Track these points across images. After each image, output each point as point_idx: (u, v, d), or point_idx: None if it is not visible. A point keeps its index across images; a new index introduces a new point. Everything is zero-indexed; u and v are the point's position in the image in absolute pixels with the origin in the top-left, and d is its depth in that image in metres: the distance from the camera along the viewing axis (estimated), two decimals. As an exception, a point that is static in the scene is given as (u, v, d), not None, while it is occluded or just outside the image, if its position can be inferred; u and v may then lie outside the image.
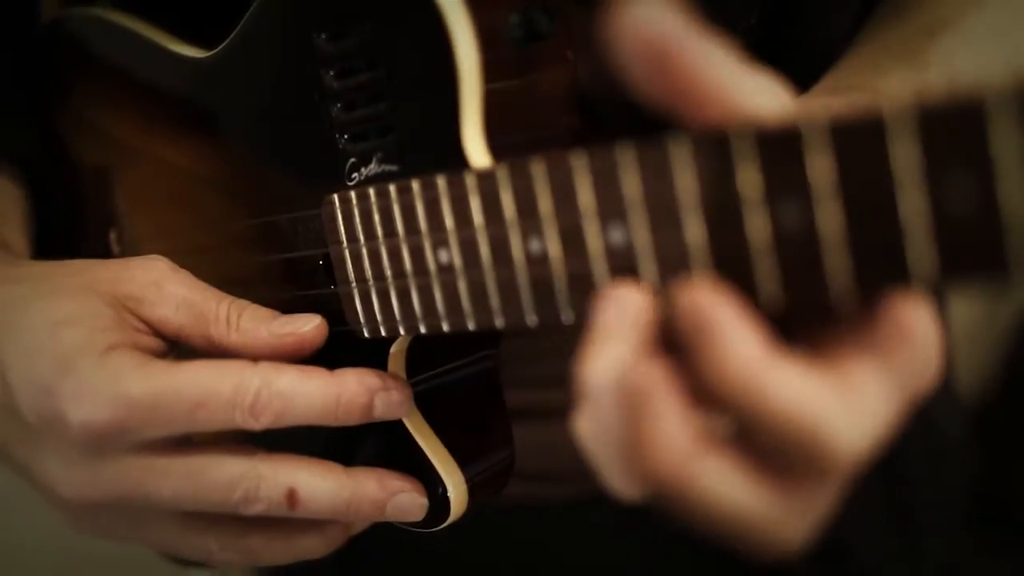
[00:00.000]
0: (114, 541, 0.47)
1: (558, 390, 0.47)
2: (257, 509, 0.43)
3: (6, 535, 1.01)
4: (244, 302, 0.47)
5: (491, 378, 0.50)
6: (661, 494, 0.30)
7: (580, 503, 0.65)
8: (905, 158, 0.27)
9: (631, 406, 0.29)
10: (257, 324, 0.45)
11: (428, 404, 0.47)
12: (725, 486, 0.29)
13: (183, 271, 0.47)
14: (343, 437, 0.46)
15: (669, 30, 0.28)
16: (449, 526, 0.47)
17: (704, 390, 0.29)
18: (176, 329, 0.46)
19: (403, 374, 0.46)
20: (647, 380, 0.29)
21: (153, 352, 0.45)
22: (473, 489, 0.47)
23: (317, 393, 0.43)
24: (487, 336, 0.50)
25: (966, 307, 1.46)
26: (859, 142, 0.27)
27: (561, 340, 0.41)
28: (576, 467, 0.59)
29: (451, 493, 0.46)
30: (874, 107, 0.27)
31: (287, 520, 0.46)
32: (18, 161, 0.61)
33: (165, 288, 0.46)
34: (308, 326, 0.45)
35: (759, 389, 0.28)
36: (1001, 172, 0.25)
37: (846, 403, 0.29)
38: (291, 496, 0.43)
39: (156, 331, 0.46)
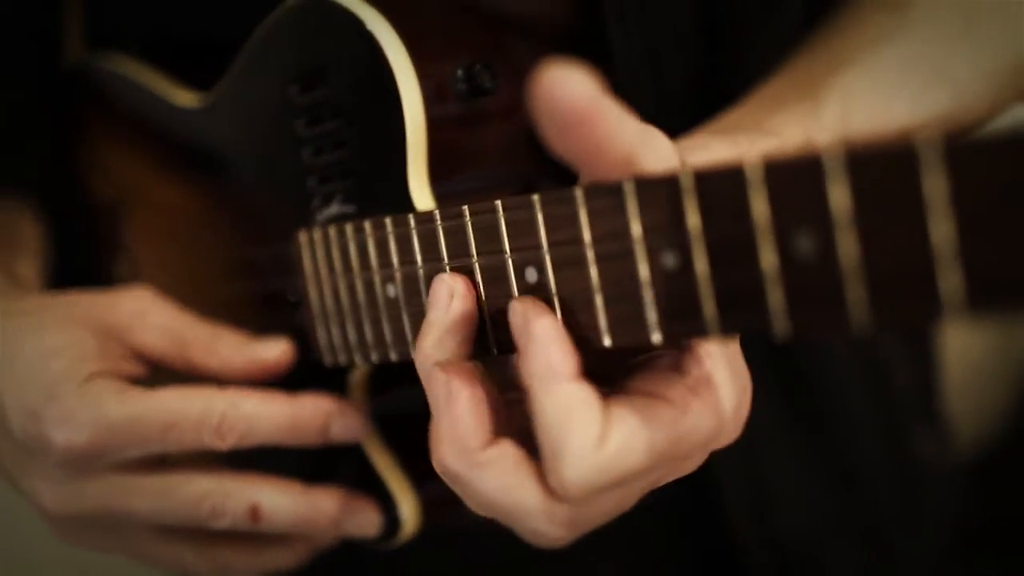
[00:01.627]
0: (98, 552, 0.51)
1: None
2: (224, 523, 0.47)
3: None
4: (222, 330, 0.51)
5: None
6: (446, 475, 0.35)
7: None
8: (761, 212, 0.30)
9: (433, 393, 0.35)
10: (232, 350, 0.50)
11: (389, 427, 0.51)
12: (501, 478, 0.34)
13: (167, 301, 0.51)
14: (309, 458, 0.50)
15: (585, 98, 0.31)
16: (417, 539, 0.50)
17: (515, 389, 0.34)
18: (159, 355, 0.50)
19: (363, 399, 0.50)
20: (451, 372, 0.35)
21: (134, 378, 0.49)
22: (427, 508, 0.50)
23: (277, 415, 0.47)
24: None
25: (978, 341, 1.46)
26: (722, 191, 0.31)
27: None
28: None
29: (403, 513, 0.49)
30: (735, 162, 0.30)
31: (255, 535, 0.50)
32: (38, 195, 0.65)
33: (149, 317, 0.50)
34: (275, 351, 0.50)
35: (547, 393, 0.33)
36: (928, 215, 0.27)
37: (601, 436, 0.33)
38: (254, 511, 0.47)
39: (140, 356, 0.50)
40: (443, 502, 0.52)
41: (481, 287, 0.39)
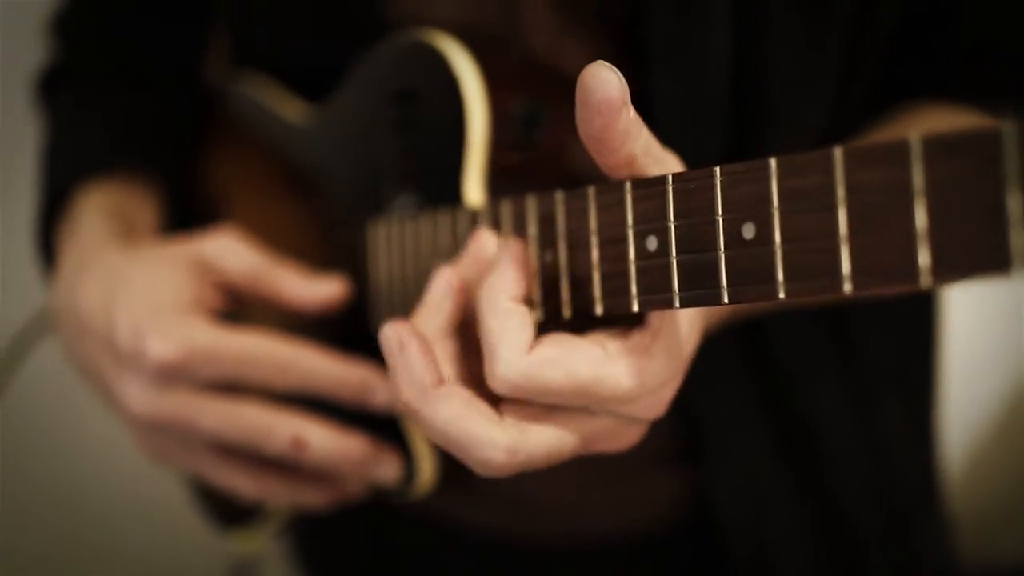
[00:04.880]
0: (163, 466, 0.61)
1: None
2: (273, 447, 0.56)
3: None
4: (290, 268, 0.61)
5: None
6: (406, 410, 0.43)
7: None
8: (719, 206, 0.39)
9: (387, 345, 0.43)
10: (295, 286, 0.61)
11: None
12: (450, 410, 0.41)
13: (248, 241, 0.62)
14: (352, 413, 0.59)
15: (619, 95, 0.38)
16: None
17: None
18: (238, 283, 0.61)
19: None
20: (406, 330, 0.43)
21: (218, 307, 0.60)
22: (443, 472, 0.58)
23: (331, 371, 0.57)
24: None
25: (983, 426, 1.46)
26: (694, 191, 0.40)
27: None
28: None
29: (422, 469, 0.58)
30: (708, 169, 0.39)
31: (297, 472, 0.59)
32: (165, 180, 0.77)
33: (231, 250, 0.61)
34: (329, 288, 0.61)
35: (492, 306, 0.41)
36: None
37: (529, 347, 0.41)
38: (298, 442, 0.56)
39: (223, 286, 0.61)
40: (458, 468, 0.60)
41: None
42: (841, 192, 0.35)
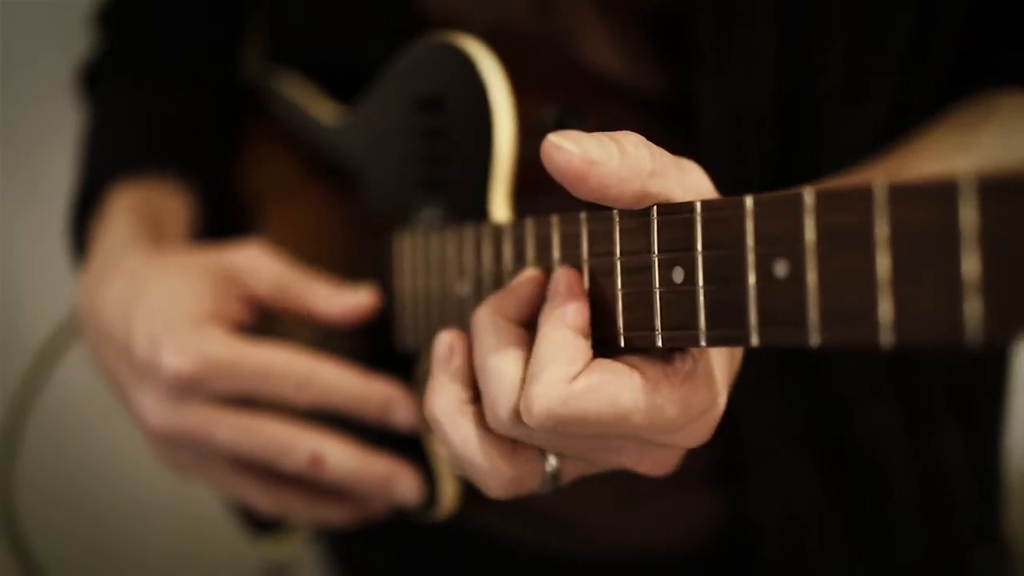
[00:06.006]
0: (180, 476, 0.60)
1: None
2: (290, 464, 0.54)
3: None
4: (318, 280, 0.60)
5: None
6: (430, 419, 0.42)
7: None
8: (751, 238, 0.35)
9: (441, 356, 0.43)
10: (324, 298, 0.59)
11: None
12: (464, 437, 0.41)
13: (274, 253, 0.60)
14: (375, 430, 0.57)
15: (577, 159, 0.38)
16: None
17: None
18: (264, 296, 0.59)
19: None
20: (460, 344, 0.43)
21: (242, 320, 0.58)
22: (466, 493, 0.56)
23: (350, 386, 0.55)
24: None
25: None
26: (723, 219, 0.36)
27: None
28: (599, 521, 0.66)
29: (444, 492, 0.55)
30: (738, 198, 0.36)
31: (315, 487, 0.57)
32: (198, 181, 0.76)
33: (258, 264, 0.59)
34: (358, 298, 0.59)
35: (553, 328, 0.40)
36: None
37: (576, 377, 0.38)
38: (316, 459, 0.54)
39: (249, 300, 0.59)
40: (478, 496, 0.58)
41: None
42: (884, 232, 0.31)
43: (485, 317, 0.41)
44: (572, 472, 0.43)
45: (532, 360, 0.39)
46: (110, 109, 0.78)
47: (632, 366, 0.39)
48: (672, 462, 0.43)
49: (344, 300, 0.59)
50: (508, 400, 0.39)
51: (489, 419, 0.40)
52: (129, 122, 0.76)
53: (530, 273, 0.44)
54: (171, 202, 0.72)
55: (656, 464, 0.42)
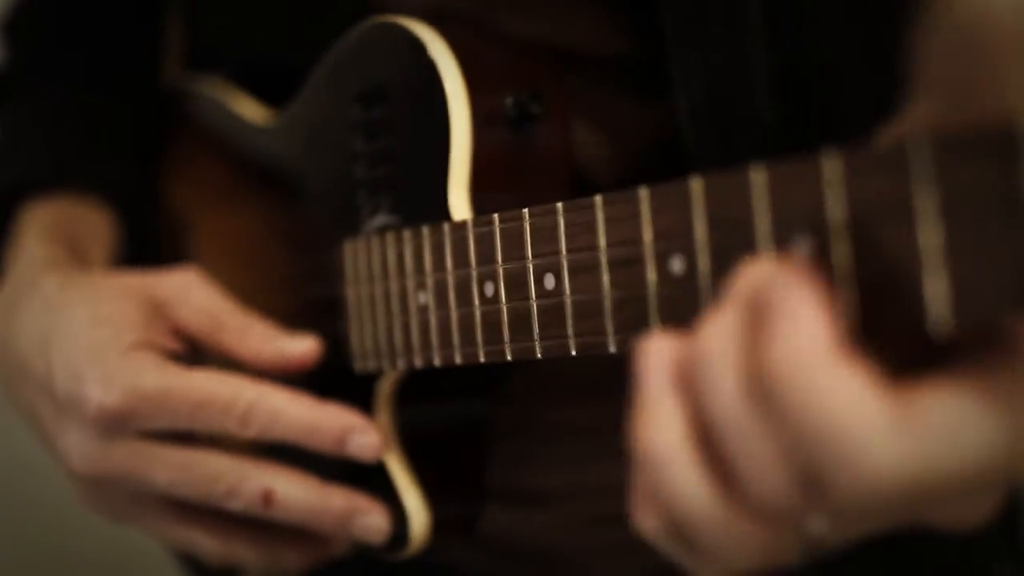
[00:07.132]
0: (113, 522, 0.53)
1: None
2: (238, 503, 0.48)
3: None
4: (256, 319, 0.53)
5: (479, 427, 0.54)
6: (646, 456, 0.31)
7: None
8: (763, 219, 0.31)
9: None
10: (261, 340, 0.52)
11: (412, 440, 0.52)
12: (685, 481, 0.29)
13: (210, 283, 0.54)
14: (332, 462, 0.51)
15: None
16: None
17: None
18: (195, 332, 0.53)
19: (388, 413, 0.51)
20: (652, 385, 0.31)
21: (173, 352, 0.52)
22: (438, 528, 0.50)
23: (300, 416, 0.49)
24: (483, 385, 0.54)
25: None
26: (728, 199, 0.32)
27: None
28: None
29: (413, 527, 0.50)
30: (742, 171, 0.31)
31: (269, 529, 0.51)
32: (119, 195, 0.70)
33: (190, 294, 0.53)
34: (301, 347, 0.52)
35: (807, 381, 0.27)
36: None
37: (894, 422, 0.26)
38: (267, 496, 0.48)
39: (179, 332, 0.53)
40: (455, 524, 0.52)
41: (503, 292, 0.41)
42: (931, 202, 0.27)
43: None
44: (842, 534, 0.31)
45: (805, 424, 0.27)
46: (18, 122, 0.71)
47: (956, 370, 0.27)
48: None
49: (280, 346, 0.52)
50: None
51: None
52: (41, 136, 0.70)
53: None
54: (90, 216, 0.66)
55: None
